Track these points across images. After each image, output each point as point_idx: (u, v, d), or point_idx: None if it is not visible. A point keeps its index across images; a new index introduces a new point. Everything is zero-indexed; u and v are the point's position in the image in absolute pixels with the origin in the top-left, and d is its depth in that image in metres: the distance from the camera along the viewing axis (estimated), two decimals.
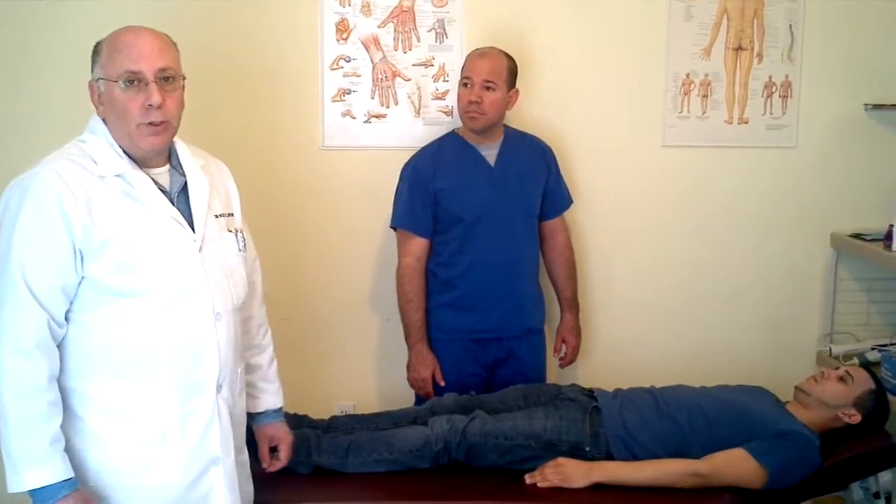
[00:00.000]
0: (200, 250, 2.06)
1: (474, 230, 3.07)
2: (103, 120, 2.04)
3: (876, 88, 3.50)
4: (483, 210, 3.07)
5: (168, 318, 1.99)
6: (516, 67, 3.08)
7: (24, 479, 1.88)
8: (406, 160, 3.15)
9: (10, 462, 1.89)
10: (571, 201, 3.32)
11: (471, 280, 3.10)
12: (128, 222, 1.97)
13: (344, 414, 3.09)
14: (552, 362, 3.36)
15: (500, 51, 3.07)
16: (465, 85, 3.03)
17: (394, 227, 3.15)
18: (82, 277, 1.93)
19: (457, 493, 2.64)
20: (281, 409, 2.45)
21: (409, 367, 3.15)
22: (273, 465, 2.43)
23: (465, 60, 3.09)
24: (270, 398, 2.42)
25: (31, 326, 1.89)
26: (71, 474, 1.91)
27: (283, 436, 2.44)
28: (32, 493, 1.90)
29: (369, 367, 3.50)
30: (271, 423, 2.42)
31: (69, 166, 1.95)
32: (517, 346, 3.16)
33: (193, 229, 2.07)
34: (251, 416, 2.37)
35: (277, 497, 2.55)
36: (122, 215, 1.96)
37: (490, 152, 3.12)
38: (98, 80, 2.00)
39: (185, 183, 2.10)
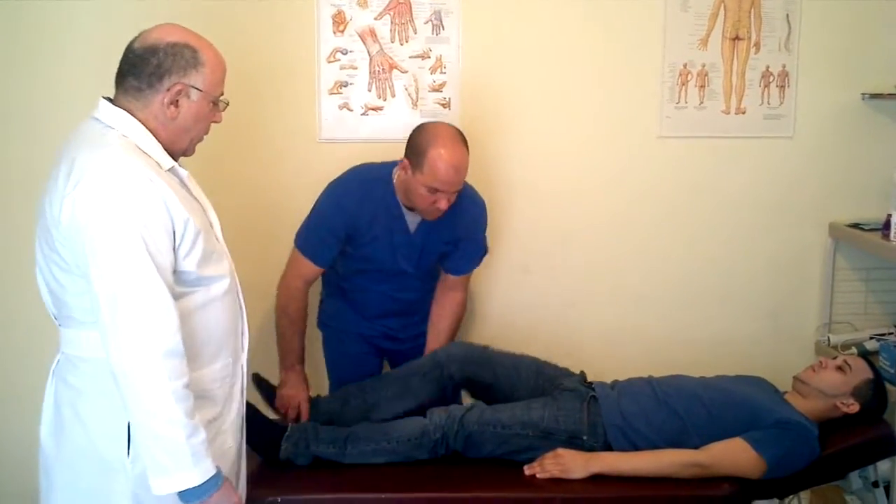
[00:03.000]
0: (218, 238, 2.15)
1: (374, 272, 3.00)
2: (130, 114, 2.00)
3: (873, 78, 3.50)
4: (388, 266, 2.98)
5: (226, 300, 2.11)
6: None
7: (195, 475, 1.92)
8: (345, 174, 2.99)
9: (177, 461, 1.90)
10: (477, 265, 3.14)
11: (364, 300, 3.06)
12: (197, 213, 2.03)
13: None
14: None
15: (463, 142, 2.79)
16: (432, 192, 2.76)
17: (296, 245, 2.99)
18: (173, 271, 1.96)
19: (455, 484, 2.65)
20: None
21: (282, 385, 2.97)
22: None
23: (434, 169, 2.72)
24: None
25: (176, 323, 1.91)
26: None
27: None
28: (191, 490, 1.93)
29: None
30: None
31: (142, 160, 1.95)
32: (412, 343, 3.13)
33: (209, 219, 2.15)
34: None
35: (276, 489, 2.57)
36: (191, 206, 2.02)
37: (414, 219, 2.94)
38: (191, 87, 2.01)
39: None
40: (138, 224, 1.87)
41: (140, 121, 1.99)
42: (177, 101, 2.00)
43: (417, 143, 2.79)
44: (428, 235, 2.96)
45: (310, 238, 2.95)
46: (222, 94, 2.10)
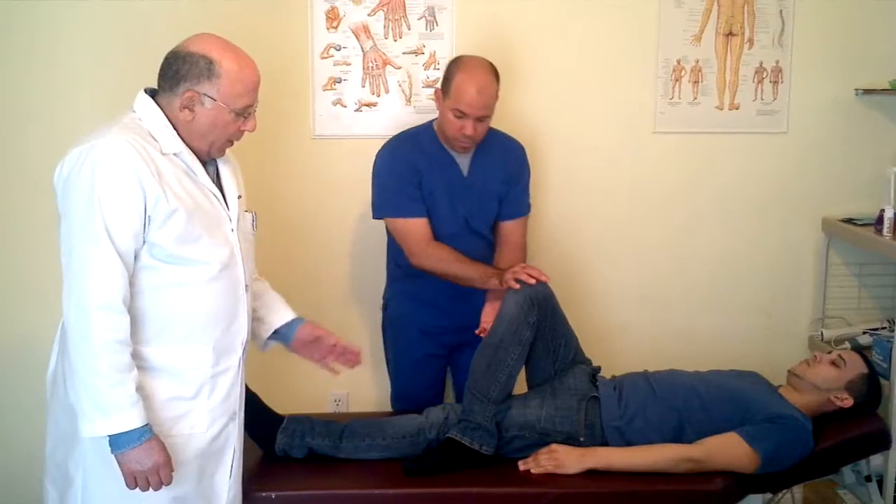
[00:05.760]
0: (233, 230, 2.26)
1: (438, 232, 2.98)
2: (155, 101, 2.16)
3: (866, 73, 3.50)
4: (448, 218, 2.98)
5: (212, 286, 2.19)
6: (499, 77, 2.93)
7: (111, 424, 2.02)
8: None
9: (98, 408, 2.02)
10: (529, 210, 3.15)
11: (430, 277, 2.98)
12: (188, 196, 2.13)
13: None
14: None
15: (490, 71, 2.88)
16: (458, 117, 2.85)
17: (381, 217, 2.99)
18: (143, 242, 2.08)
19: (449, 480, 2.64)
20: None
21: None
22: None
23: (459, 91, 2.82)
24: (289, 311, 2.58)
25: (118, 283, 2.03)
26: (147, 421, 2.07)
27: (320, 328, 2.58)
28: (116, 437, 2.04)
29: (363, 355, 3.48)
30: (304, 324, 2.55)
31: (138, 140, 2.08)
32: (473, 337, 3.03)
33: (228, 209, 2.27)
34: (278, 332, 2.56)
35: (270, 485, 2.58)
36: (183, 189, 2.13)
37: (464, 160, 3.00)
38: (205, 96, 2.13)
39: (217, 168, 2.30)
40: (99, 189, 2.00)
41: (166, 116, 2.15)
42: (191, 106, 2.13)
43: (448, 71, 2.91)
44: (482, 176, 3.01)
45: (390, 200, 2.97)
46: (249, 105, 2.19)
